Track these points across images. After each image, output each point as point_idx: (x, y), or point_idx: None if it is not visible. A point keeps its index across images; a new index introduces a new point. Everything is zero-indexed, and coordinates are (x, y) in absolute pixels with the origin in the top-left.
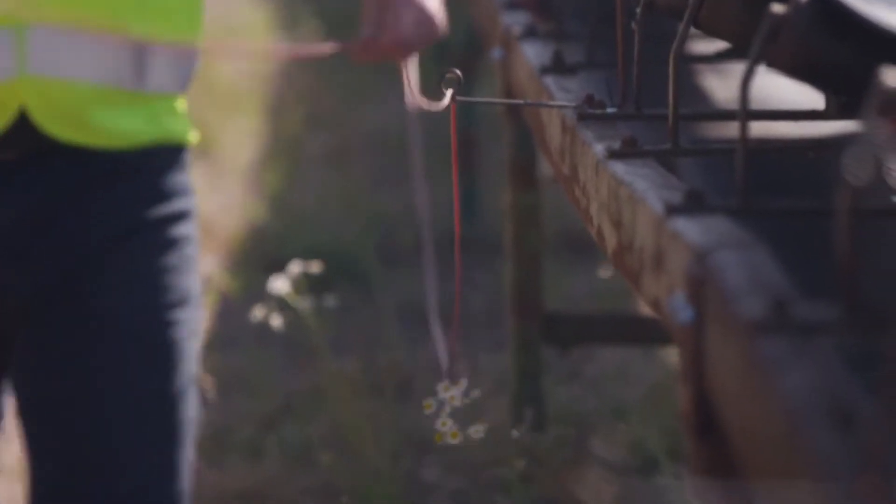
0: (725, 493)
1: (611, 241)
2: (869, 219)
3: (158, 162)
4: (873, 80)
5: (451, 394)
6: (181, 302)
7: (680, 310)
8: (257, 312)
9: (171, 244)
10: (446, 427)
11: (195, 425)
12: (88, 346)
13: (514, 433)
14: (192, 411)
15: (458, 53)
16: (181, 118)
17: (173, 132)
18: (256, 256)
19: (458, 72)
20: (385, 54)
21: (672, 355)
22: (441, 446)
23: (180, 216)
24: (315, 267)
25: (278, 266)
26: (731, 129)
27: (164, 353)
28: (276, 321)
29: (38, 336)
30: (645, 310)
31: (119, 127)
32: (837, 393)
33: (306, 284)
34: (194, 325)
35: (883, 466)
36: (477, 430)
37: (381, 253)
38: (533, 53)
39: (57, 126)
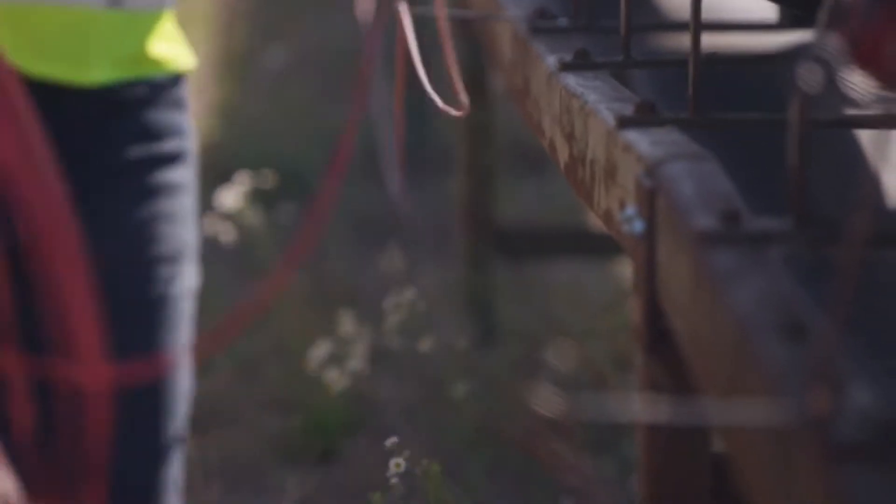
0: (675, 407)
1: (563, 154)
2: (820, 130)
3: (144, 97)
4: None
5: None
6: (173, 256)
7: (631, 222)
8: (206, 227)
9: (162, 190)
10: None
11: (188, 399)
12: None
13: (463, 346)
14: (184, 383)
15: None
16: (171, 42)
17: (160, 60)
18: (206, 169)
19: None
20: None
21: (624, 270)
22: (391, 361)
23: (173, 159)
24: (265, 180)
25: (228, 178)
26: (684, 42)
27: (151, 314)
28: (226, 236)
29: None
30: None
31: (93, 58)
32: (787, 304)
33: (256, 198)
34: (188, 283)
35: (832, 378)
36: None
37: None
38: None
39: (23, 58)
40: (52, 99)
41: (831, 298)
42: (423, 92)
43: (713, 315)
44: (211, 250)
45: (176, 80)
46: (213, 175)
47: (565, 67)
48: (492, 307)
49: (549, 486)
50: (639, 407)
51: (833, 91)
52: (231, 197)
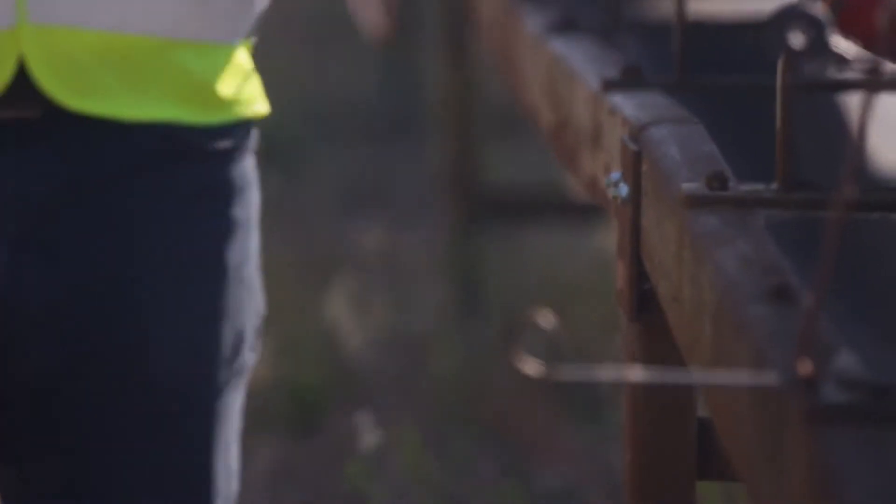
0: (660, 372)
1: (547, 118)
2: (807, 95)
3: (206, 146)
4: None
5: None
6: (235, 349)
7: (616, 185)
8: None
9: (224, 275)
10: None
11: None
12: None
13: (446, 313)
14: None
15: None
16: (243, 81)
17: (229, 102)
18: None
19: None
20: None
21: (606, 237)
22: (374, 334)
23: (234, 230)
24: None
25: None
26: (670, 5)
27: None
28: None
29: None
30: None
31: (141, 94)
32: (772, 268)
33: None
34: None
35: (816, 341)
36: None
37: (320, 130)
38: None
39: (58, 86)
40: (89, 138)
41: (817, 262)
42: (407, 57)
43: (698, 279)
44: None
45: (246, 127)
46: None
47: (551, 31)
48: (475, 273)
49: (530, 450)
50: (623, 372)
51: (819, 55)
52: None
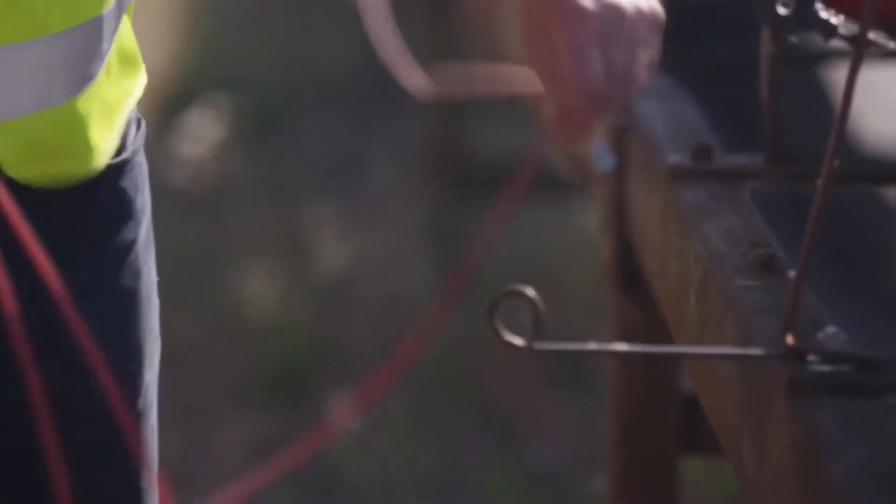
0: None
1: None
2: (793, 68)
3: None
4: None
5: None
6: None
7: (602, 158)
8: (168, 179)
9: (114, 299)
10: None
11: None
12: None
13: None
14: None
15: None
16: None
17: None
18: (166, 92)
19: None
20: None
21: (589, 212)
22: (358, 309)
23: (121, 254)
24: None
25: (190, 103)
26: None
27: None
28: (195, 182)
29: None
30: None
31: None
32: (758, 240)
33: (228, 133)
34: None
35: (801, 313)
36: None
37: (302, 103)
38: None
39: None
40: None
41: (802, 235)
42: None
43: (684, 252)
44: (176, 198)
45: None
46: (175, 99)
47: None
48: (460, 247)
49: (518, 427)
50: (608, 345)
51: (805, 26)
52: (199, 130)
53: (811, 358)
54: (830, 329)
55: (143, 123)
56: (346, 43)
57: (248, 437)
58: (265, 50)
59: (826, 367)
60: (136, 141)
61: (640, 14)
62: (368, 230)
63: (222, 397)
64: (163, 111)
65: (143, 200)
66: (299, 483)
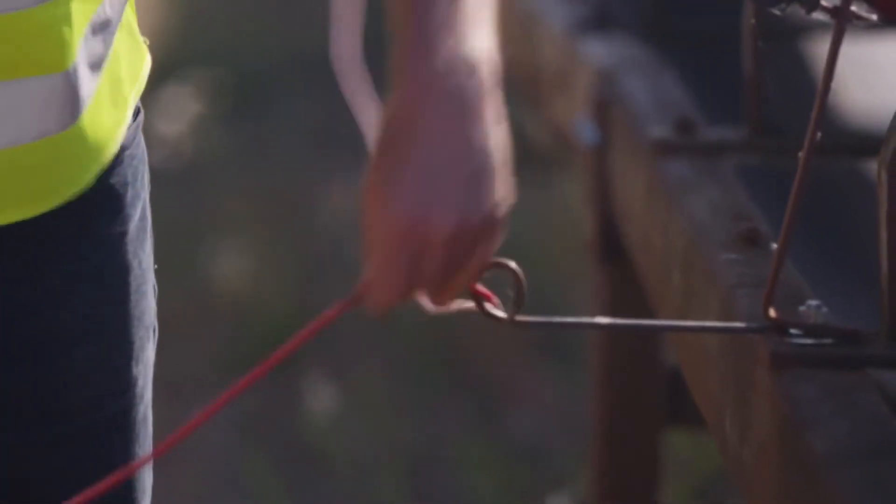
0: (628, 318)
1: (514, 63)
2: (777, 42)
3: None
4: None
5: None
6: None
7: (586, 132)
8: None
9: (103, 292)
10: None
11: None
12: None
13: None
14: None
15: None
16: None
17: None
18: (155, 59)
19: None
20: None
21: (568, 186)
22: (340, 283)
23: (110, 246)
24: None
25: (171, 76)
26: None
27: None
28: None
29: None
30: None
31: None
32: (742, 214)
33: (207, 107)
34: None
35: (783, 287)
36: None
37: (289, 79)
38: None
39: None
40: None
41: (785, 209)
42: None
43: (667, 225)
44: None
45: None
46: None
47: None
48: None
49: (500, 400)
50: (591, 319)
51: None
52: (177, 106)
53: (793, 331)
54: (812, 302)
55: (141, 113)
56: (326, 17)
57: (231, 412)
58: (244, 24)
59: (808, 341)
60: (129, 135)
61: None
62: (349, 205)
63: (205, 372)
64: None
65: (135, 193)
66: (280, 459)
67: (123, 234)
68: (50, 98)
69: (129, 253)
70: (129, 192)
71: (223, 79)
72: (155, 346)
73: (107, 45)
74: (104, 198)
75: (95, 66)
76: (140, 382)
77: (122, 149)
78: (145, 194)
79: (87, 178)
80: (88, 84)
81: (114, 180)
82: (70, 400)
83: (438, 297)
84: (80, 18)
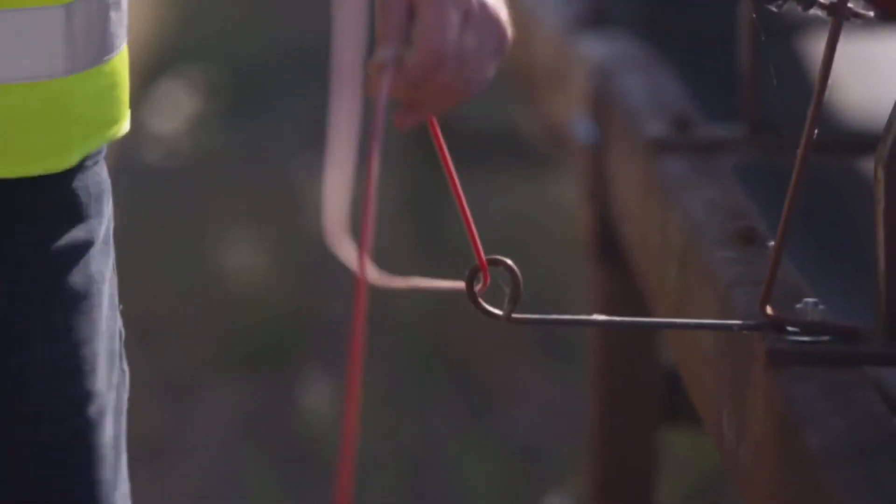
0: (625, 316)
1: (510, 60)
2: (773, 36)
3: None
4: None
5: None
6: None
7: (582, 130)
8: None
9: (66, 300)
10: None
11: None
12: None
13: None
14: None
15: None
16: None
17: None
18: (142, 61)
19: None
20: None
21: (570, 182)
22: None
23: (76, 253)
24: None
25: (167, 73)
26: None
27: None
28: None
29: None
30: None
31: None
32: (739, 211)
33: (206, 106)
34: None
35: (780, 285)
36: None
37: (283, 74)
38: None
39: None
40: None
41: (782, 206)
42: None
43: (664, 223)
44: (151, 173)
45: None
46: (148, 70)
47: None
48: (437, 216)
49: (496, 398)
50: (588, 317)
51: None
52: (173, 103)
53: (790, 329)
54: (809, 300)
55: (104, 150)
56: (323, 13)
57: (229, 409)
58: (241, 20)
59: (805, 338)
60: (96, 156)
61: (498, 23)
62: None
63: (203, 370)
64: (135, 83)
65: (100, 208)
66: (279, 459)
67: (89, 243)
68: (45, 35)
69: (91, 264)
70: (94, 206)
71: (220, 76)
72: (127, 390)
73: (110, 23)
74: (71, 202)
75: (97, 28)
76: (103, 402)
77: (93, 161)
78: (109, 222)
79: (69, 156)
80: (86, 42)
81: (83, 185)
82: (25, 406)
83: (409, 102)
84: None
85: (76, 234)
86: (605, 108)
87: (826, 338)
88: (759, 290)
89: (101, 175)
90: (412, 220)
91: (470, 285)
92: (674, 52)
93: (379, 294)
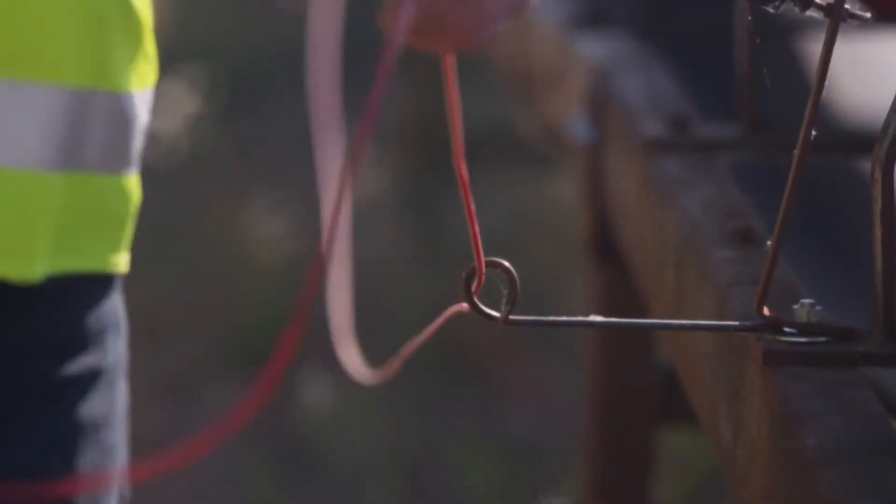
0: (622, 316)
1: (507, 62)
2: (770, 36)
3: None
4: None
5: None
6: None
7: (579, 129)
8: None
9: (73, 432)
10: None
11: None
12: None
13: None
14: None
15: None
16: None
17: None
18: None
19: None
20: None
21: (567, 182)
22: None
23: (88, 384)
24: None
25: (164, 72)
26: None
27: None
28: (168, 156)
29: None
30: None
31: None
32: (736, 211)
33: (202, 103)
34: None
35: (777, 285)
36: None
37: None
38: None
39: None
40: None
41: (779, 206)
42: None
43: (661, 222)
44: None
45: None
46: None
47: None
48: (434, 217)
49: (494, 397)
50: (585, 316)
51: None
52: (171, 103)
53: (787, 329)
54: (806, 300)
55: (119, 291)
56: None
57: (226, 408)
58: (238, 20)
59: (802, 339)
60: (98, 292)
61: None
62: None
63: (199, 369)
64: None
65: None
66: (278, 459)
67: (104, 371)
68: (44, 115)
69: (109, 392)
70: (114, 335)
71: (218, 75)
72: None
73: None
74: (92, 323)
75: (106, 133)
76: None
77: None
78: (118, 350)
79: (30, 266)
80: (88, 141)
81: (102, 312)
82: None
83: (417, 30)
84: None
85: (93, 361)
86: (603, 107)
87: (823, 338)
88: (756, 290)
89: (113, 308)
90: (407, 219)
91: (467, 288)
92: (672, 51)
93: (379, 294)
